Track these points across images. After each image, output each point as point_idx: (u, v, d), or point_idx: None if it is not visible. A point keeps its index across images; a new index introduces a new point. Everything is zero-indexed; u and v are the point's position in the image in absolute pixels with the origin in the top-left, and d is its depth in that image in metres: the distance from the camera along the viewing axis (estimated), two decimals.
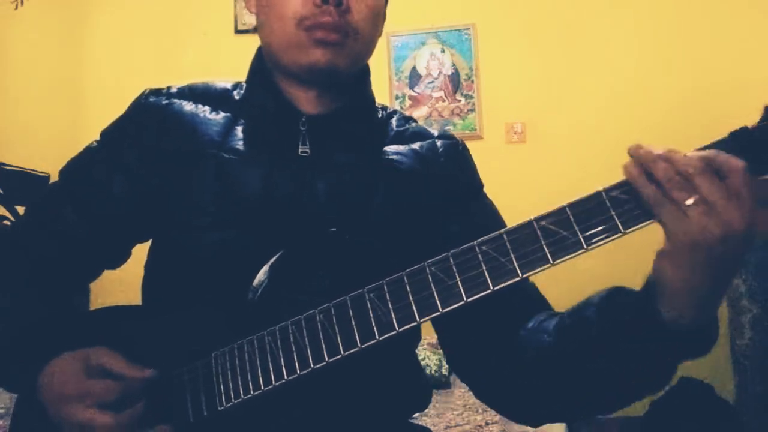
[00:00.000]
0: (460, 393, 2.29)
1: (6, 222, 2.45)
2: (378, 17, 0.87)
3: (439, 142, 0.93)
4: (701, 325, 0.63)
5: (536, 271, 0.63)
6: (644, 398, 0.70)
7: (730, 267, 0.61)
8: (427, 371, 2.39)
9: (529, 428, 0.86)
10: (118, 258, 0.95)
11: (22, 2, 2.79)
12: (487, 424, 1.91)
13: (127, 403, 0.74)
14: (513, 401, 0.82)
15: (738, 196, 0.57)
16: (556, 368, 0.72)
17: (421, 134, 0.94)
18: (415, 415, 0.96)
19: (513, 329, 0.79)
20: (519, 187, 2.80)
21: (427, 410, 1.05)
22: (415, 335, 0.92)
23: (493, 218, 0.91)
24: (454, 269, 0.66)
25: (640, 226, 0.61)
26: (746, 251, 0.60)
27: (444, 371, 2.43)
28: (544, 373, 0.74)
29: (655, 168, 0.59)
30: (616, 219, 0.61)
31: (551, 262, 0.62)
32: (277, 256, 0.78)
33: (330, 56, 0.82)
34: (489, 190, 0.95)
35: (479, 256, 0.65)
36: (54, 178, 0.96)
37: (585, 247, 0.61)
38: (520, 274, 0.63)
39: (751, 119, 0.61)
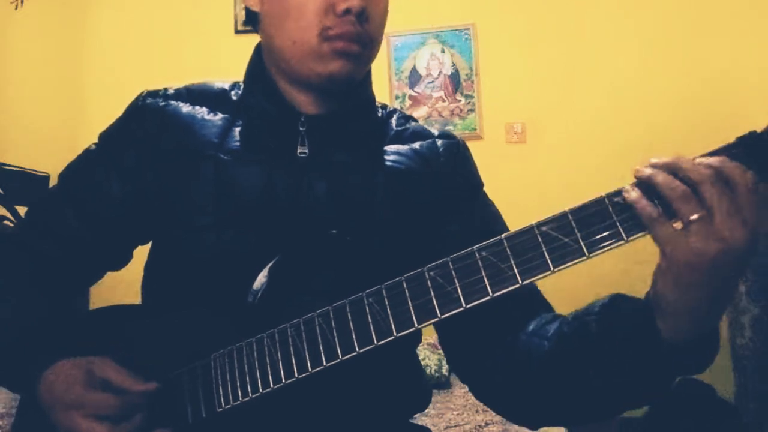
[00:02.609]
0: (460, 393, 2.29)
1: (6, 222, 2.45)
2: (385, 22, 0.88)
3: (439, 142, 0.93)
4: (701, 339, 0.63)
5: (536, 278, 0.62)
6: (642, 407, 0.69)
7: (731, 282, 0.60)
8: (427, 371, 2.39)
9: (527, 429, 0.86)
10: (120, 260, 0.95)
11: (22, 2, 2.78)
12: (487, 424, 1.90)
13: (126, 415, 0.74)
14: (511, 403, 0.82)
15: (743, 212, 0.55)
16: (554, 374, 0.72)
17: (421, 133, 0.94)
18: (415, 415, 0.96)
19: (513, 331, 0.79)
20: (519, 187, 2.80)
21: (427, 410, 1.05)
22: (415, 336, 0.92)
23: (494, 217, 0.91)
24: (454, 274, 0.65)
25: (644, 233, 0.59)
26: (747, 265, 0.58)
27: (444, 371, 2.43)
28: (541, 378, 0.74)
29: (656, 180, 0.57)
30: (619, 226, 0.59)
31: (552, 269, 0.61)
32: (276, 258, 0.78)
33: (350, 67, 0.82)
34: (489, 190, 0.95)
35: (479, 261, 0.64)
36: (54, 178, 0.96)
37: (587, 254, 0.60)
38: (520, 281, 0.62)
39: (751, 119, 0.60)
